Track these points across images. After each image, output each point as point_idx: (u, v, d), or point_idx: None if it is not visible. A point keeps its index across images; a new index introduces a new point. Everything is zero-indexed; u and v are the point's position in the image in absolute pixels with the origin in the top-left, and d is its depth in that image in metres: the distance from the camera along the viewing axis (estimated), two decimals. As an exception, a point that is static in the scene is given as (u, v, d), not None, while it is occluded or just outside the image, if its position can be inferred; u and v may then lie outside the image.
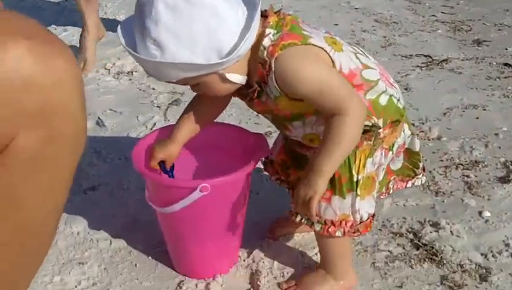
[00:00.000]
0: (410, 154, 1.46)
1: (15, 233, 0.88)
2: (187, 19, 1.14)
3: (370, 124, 1.31)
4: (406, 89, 2.50)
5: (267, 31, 1.22)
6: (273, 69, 1.21)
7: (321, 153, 1.24)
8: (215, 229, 1.47)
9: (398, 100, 1.36)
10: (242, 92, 1.30)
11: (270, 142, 1.54)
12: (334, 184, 1.32)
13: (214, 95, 1.31)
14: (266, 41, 1.22)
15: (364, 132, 1.32)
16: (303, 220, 1.37)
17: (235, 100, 2.42)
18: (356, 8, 3.56)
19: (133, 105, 2.43)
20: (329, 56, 1.25)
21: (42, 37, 0.83)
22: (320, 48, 1.24)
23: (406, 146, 1.44)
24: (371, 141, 1.33)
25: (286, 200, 1.77)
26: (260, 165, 1.83)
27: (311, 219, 1.32)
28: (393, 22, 3.37)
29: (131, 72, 2.73)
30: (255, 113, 2.28)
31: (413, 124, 2.15)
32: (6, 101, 0.80)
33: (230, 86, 1.26)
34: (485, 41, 3.08)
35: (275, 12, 1.27)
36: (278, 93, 1.25)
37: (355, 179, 1.32)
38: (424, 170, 1.51)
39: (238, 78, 1.24)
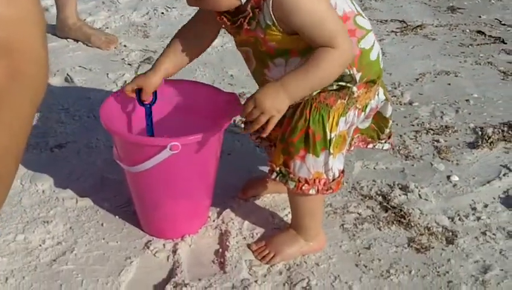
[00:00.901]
0: (379, 118, 1.47)
1: None
2: None
3: (348, 74, 1.30)
4: (379, 54, 2.50)
5: None
6: None
7: (297, 72, 1.23)
8: (185, 188, 1.45)
9: (381, 60, 1.37)
10: (232, 17, 1.28)
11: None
12: (308, 143, 1.31)
13: (211, 8, 1.28)
14: None
15: (339, 89, 1.31)
16: (278, 178, 1.36)
17: (208, 60, 2.40)
18: (332, -29, 3.52)
19: (103, 62, 2.38)
20: None
21: None
22: None
23: (378, 109, 1.44)
24: (344, 99, 1.32)
25: (257, 161, 1.77)
26: (232, 125, 1.82)
27: (263, 132, 1.25)
28: (370, -14, 3.35)
29: (103, 29, 2.66)
30: (229, 73, 2.27)
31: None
32: None
33: (232, 1, 1.24)
34: (459, 8, 3.08)
35: None
36: (270, 22, 1.23)
37: (328, 137, 1.31)
38: (389, 137, 1.51)
39: None
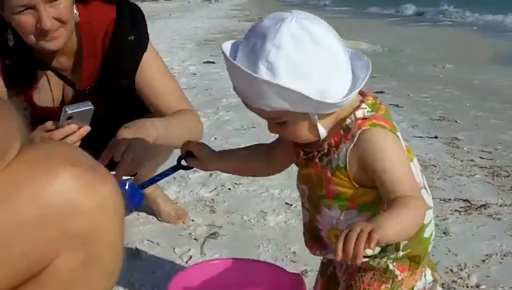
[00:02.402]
0: None
1: None
2: (308, 55, 1.17)
3: None
4: (444, 233, 2.48)
5: (363, 105, 1.27)
6: (355, 140, 1.24)
7: (387, 215, 1.16)
8: None
9: (431, 243, 1.37)
10: (307, 148, 1.32)
11: (307, 281, 1.53)
12: None
13: (289, 138, 1.31)
14: (359, 113, 1.26)
15: (381, 273, 1.31)
16: None
17: (271, 236, 2.42)
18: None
19: (170, 236, 2.45)
20: None
21: (88, 165, 0.89)
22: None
23: (426, 292, 1.41)
24: (388, 284, 1.32)
25: None
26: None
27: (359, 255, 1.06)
28: (432, 165, 3.40)
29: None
30: (292, 250, 2.29)
31: (451, 270, 2.12)
32: (53, 222, 0.84)
33: (311, 136, 1.27)
34: (524, 188, 3.07)
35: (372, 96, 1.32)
36: (342, 164, 1.25)
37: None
38: None
39: (322, 131, 1.26)
